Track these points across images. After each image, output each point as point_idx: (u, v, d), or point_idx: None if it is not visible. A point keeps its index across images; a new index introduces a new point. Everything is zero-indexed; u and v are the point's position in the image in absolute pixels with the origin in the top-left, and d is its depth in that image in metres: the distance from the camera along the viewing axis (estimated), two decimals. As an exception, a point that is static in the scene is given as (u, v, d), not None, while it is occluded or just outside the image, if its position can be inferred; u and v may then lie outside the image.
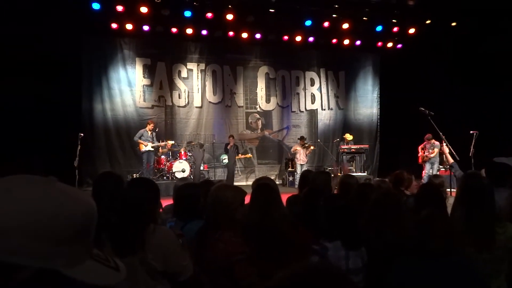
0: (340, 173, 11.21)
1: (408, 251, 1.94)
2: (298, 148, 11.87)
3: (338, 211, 2.29)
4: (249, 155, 12.60)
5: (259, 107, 13.44)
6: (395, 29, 12.09)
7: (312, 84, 13.94)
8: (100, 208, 2.35)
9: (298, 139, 12.32)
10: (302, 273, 0.67)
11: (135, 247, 1.87)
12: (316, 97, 13.96)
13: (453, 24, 11.17)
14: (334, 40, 12.78)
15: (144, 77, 12.35)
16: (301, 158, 11.79)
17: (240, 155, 11.90)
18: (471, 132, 8.19)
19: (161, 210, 3.35)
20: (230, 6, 10.68)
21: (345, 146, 12.05)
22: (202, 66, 12.86)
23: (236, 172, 12.05)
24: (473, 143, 7.99)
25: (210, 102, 12.97)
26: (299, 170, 11.45)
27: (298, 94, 13.83)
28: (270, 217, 2.41)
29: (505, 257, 2.21)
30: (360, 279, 2.18)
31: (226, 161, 11.49)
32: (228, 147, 11.44)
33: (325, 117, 14.03)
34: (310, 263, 0.71)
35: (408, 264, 1.88)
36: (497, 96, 10.30)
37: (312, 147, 12.23)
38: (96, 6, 10.18)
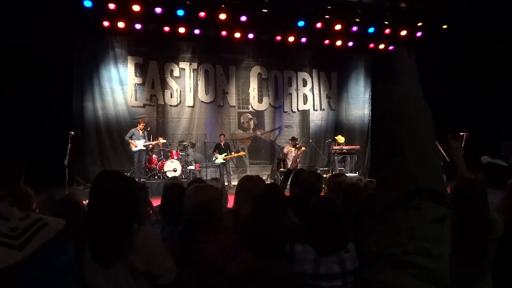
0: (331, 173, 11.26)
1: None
2: (291, 148, 11.91)
3: (318, 214, 2.24)
4: (243, 152, 12.57)
5: (251, 107, 13.44)
6: (387, 31, 12.18)
7: (305, 84, 13.98)
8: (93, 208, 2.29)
9: (290, 139, 12.35)
10: None
11: (122, 251, 1.83)
12: (308, 98, 14.00)
13: (444, 26, 11.29)
14: (327, 41, 12.85)
15: (136, 75, 12.27)
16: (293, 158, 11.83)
17: (233, 153, 11.89)
18: (461, 134, 8.28)
19: (151, 211, 3.32)
20: (223, 5, 10.67)
21: (337, 147, 12.11)
22: (195, 65, 12.82)
23: (229, 171, 12.02)
24: (463, 145, 8.07)
25: (202, 101, 12.94)
26: (291, 171, 11.46)
27: (290, 94, 13.86)
28: (275, 219, 2.40)
29: (492, 258, 2.22)
30: (338, 284, 2.12)
31: (218, 161, 11.48)
32: (222, 145, 11.47)
33: (317, 117, 14.08)
34: None
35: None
36: (488, 98, 10.43)
37: (303, 148, 12.26)
38: (88, 3, 10.11)
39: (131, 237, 1.87)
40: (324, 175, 10.96)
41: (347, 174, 11.15)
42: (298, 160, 11.93)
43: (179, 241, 2.25)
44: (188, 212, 2.22)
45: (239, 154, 12.23)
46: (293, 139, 12.18)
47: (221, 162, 11.49)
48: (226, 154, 11.51)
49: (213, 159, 11.62)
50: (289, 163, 11.86)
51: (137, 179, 9.58)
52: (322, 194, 3.78)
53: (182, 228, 2.33)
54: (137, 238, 1.88)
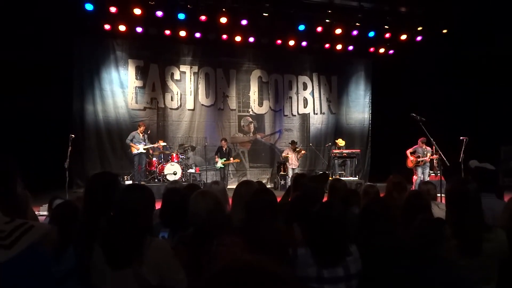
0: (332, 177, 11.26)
1: (401, 257, 1.92)
2: (290, 153, 11.92)
3: (320, 221, 2.23)
4: (238, 159, 12.54)
5: (252, 110, 13.45)
6: (387, 35, 12.19)
7: (305, 88, 13.99)
8: (91, 212, 2.29)
9: (290, 143, 12.35)
10: (232, 269, 0.67)
11: (132, 260, 1.82)
12: (309, 101, 14.02)
13: (444, 31, 11.32)
14: (327, 45, 12.86)
15: (136, 78, 12.29)
16: (293, 162, 11.84)
17: (231, 159, 11.89)
18: (461, 138, 8.29)
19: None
20: (223, 9, 10.69)
21: (337, 151, 12.10)
22: (195, 68, 12.85)
23: (227, 175, 12.04)
24: (463, 149, 8.08)
25: (202, 104, 12.95)
26: (290, 174, 11.49)
27: (290, 98, 13.87)
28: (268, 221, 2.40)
29: (495, 264, 2.21)
30: (342, 287, 2.12)
31: (219, 165, 11.48)
32: (224, 150, 11.49)
33: (317, 121, 14.09)
34: (245, 259, 0.70)
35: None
36: (488, 102, 10.46)
37: (303, 152, 12.26)
38: (89, 7, 10.11)
39: (140, 247, 1.85)
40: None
41: (347, 178, 11.19)
42: (296, 163, 11.95)
43: (188, 246, 2.23)
44: (200, 217, 2.21)
45: (234, 161, 12.16)
46: (293, 142, 12.18)
47: (221, 167, 11.50)
48: (225, 159, 11.51)
49: (214, 162, 11.63)
50: (289, 166, 11.87)
51: (137, 182, 9.58)
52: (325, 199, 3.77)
53: (189, 233, 2.31)
54: (149, 251, 1.86)
